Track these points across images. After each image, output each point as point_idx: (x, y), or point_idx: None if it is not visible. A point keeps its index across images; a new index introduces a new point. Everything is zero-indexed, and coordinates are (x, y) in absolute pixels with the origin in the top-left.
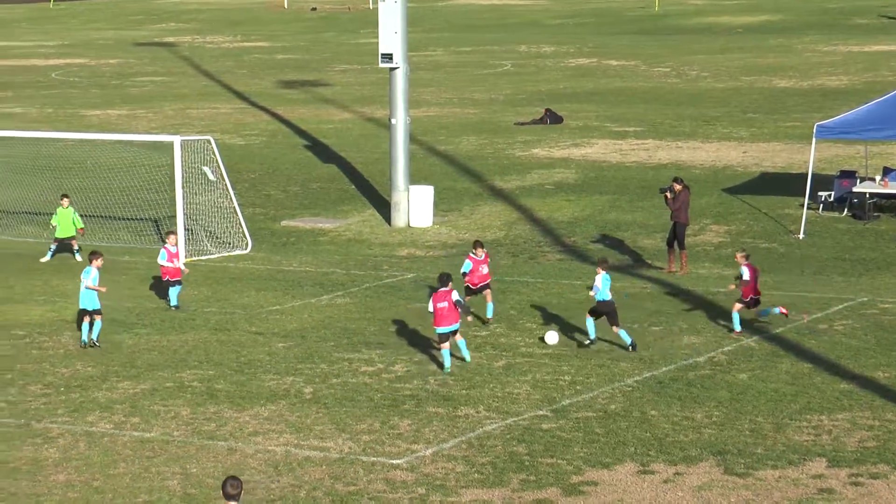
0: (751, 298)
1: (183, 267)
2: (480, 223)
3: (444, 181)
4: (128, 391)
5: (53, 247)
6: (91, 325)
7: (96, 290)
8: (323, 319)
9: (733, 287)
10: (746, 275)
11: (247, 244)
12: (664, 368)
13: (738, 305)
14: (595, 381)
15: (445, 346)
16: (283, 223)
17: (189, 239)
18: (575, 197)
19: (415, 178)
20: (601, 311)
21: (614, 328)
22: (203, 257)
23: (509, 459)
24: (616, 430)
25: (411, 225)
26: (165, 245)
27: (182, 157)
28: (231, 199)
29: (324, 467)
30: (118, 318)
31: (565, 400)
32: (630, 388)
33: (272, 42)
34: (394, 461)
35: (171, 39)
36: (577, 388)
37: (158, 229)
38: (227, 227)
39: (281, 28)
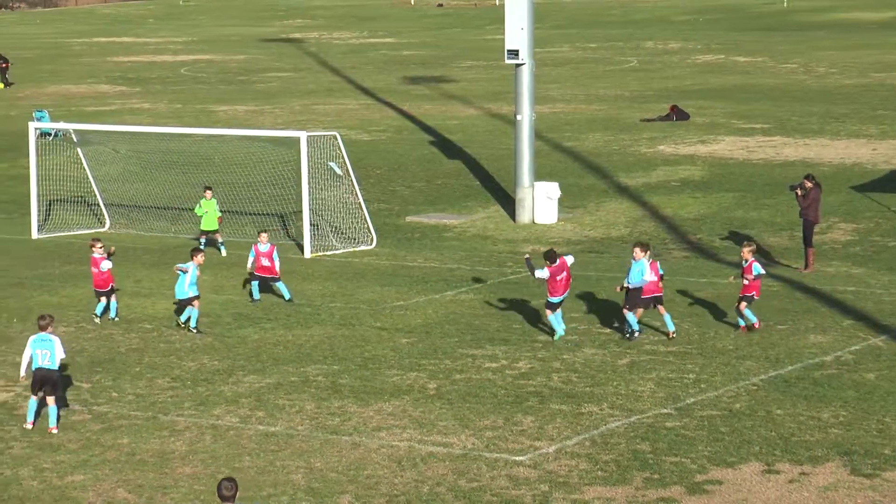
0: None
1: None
2: (605, 220)
3: (569, 177)
4: (253, 385)
5: (202, 241)
6: (181, 312)
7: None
8: (447, 315)
9: (732, 279)
10: (758, 268)
11: (372, 240)
12: (790, 367)
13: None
14: (720, 380)
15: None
16: (408, 219)
17: (314, 234)
18: (701, 194)
19: (540, 174)
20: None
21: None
22: (328, 253)
23: (633, 457)
24: (741, 429)
25: (536, 221)
26: (256, 244)
27: (308, 152)
28: (356, 194)
29: (447, 463)
30: (244, 313)
31: (690, 398)
32: (755, 387)
33: (398, 38)
34: (517, 458)
35: (297, 35)
36: (702, 386)
37: (284, 224)
38: (352, 222)
39: (407, 24)
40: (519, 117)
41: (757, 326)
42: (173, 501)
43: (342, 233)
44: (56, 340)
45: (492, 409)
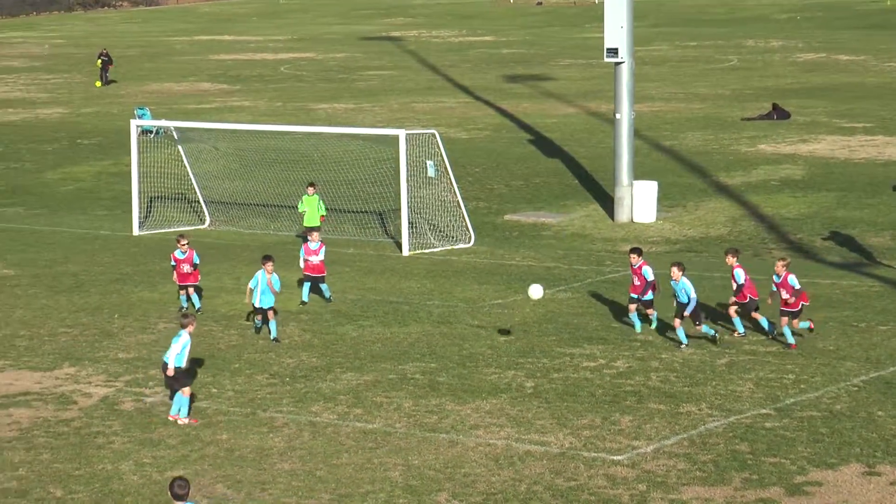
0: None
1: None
2: (704, 219)
3: (668, 176)
4: (351, 382)
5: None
6: (266, 322)
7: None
8: (545, 314)
9: (771, 301)
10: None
11: (470, 238)
12: (892, 368)
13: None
14: (820, 381)
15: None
16: (506, 217)
17: (413, 232)
18: (801, 193)
19: (639, 173)
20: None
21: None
22: (426, 250)
23: (732, 458)
24: (841, 431)
25: (634, 220)
26: (307, 242)
27: (407, 150)
28: (455, 192)
29: (544, 462)
30: (342, 310)
31: (789, 399)
32: (856, 388)
33: (497, 36)
34: (614, 457)
35: (397, 34)
36: (802, 386)
37: (383, 222)
38: (450, 220)
39: (506, 22)
40: (618, 116)
41: (793, 347)
42: (272, 497)
43: (440, 231)
44: (184, 337)
45: (589, 408)
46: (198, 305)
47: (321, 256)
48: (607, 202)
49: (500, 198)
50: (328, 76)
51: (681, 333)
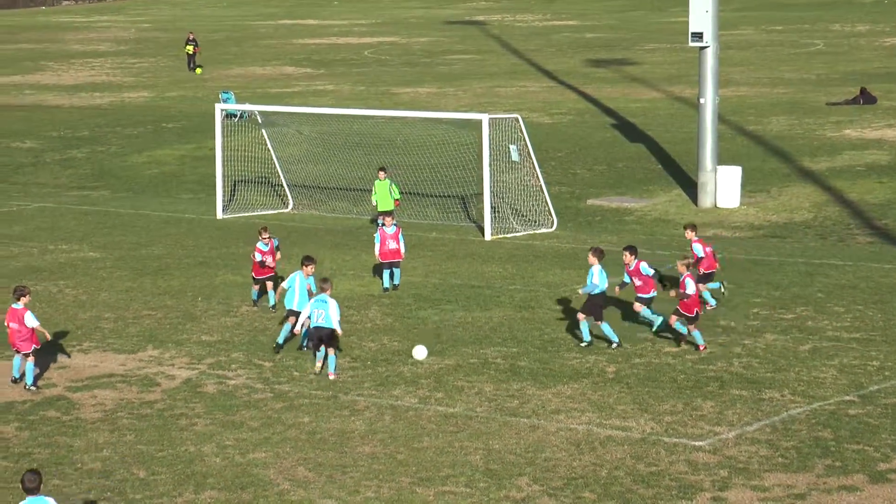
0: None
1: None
2: (788, 205)
3: (752, 161)
4: (433, 366)
5: (380, 221)
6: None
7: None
8: (632, 298)
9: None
10: (691, 287)
11: (552, 222)
12: None
13: (674, 317)
14: None
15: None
16: (589, 202)
17: (495, 217)
18: (887, 179)
19: (722, 158)
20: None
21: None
22: (508, 235)
23: (814, 444)
24: None
25: (718, 206)
26: (382, 227)
27: (490, 135)
28: (538, 177)
29: (625, 447)
30: (424, 294)
31: (873, 385)
32: None
33: (581, 20)
34: (696, 443)
35: (481, 18)
36: (886, 373)
37: (465, 207)
38: (532, 205)
39: (590, 6)
40: (702, 100)
41: (701, 349)
42: (352, 480)
43: (523, 215)
44: (332, 302)
45: (671, 394)
46: (272, 302)
47: (398, 242)
48: (690, 187)
49: (583, 182)
50: (411, 60)
51: (584, 329)
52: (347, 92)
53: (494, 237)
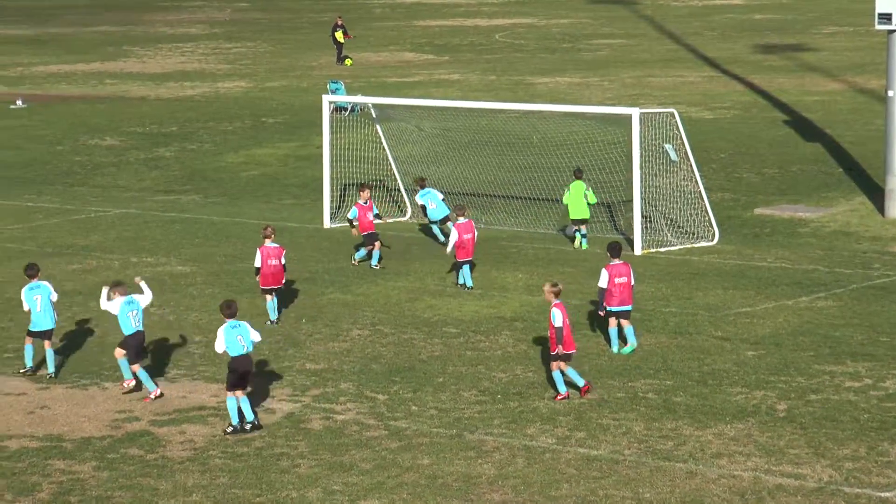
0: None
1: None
2: None
3: None
4: (572, 401)
5: (572, 230)
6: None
7: None
8: (801, 325)
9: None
10: (558, 319)
11: (713, 235)
12: None
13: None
14: None
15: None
16: (757, 211)
17: (646, 227)
18: None
19: None
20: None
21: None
22: (662, 249)
23: None
24: None
25: None
26: (456, 222)
27: (641, 132)
28: (696, 182)
29: (798, 497)
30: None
31: None
32: None
33: (749, 0)
34: (882, 494)
35: None
36: None
37: (612, 215)
38: (690, 214)
39: None
40: (891, 93)
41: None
42: None
43: (679, 226)
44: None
45: (853, 436)
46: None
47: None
48: (876, 194)
49: (750, 188)
50: (550, 45)
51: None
52: (475, 82)
53: (646, 252)
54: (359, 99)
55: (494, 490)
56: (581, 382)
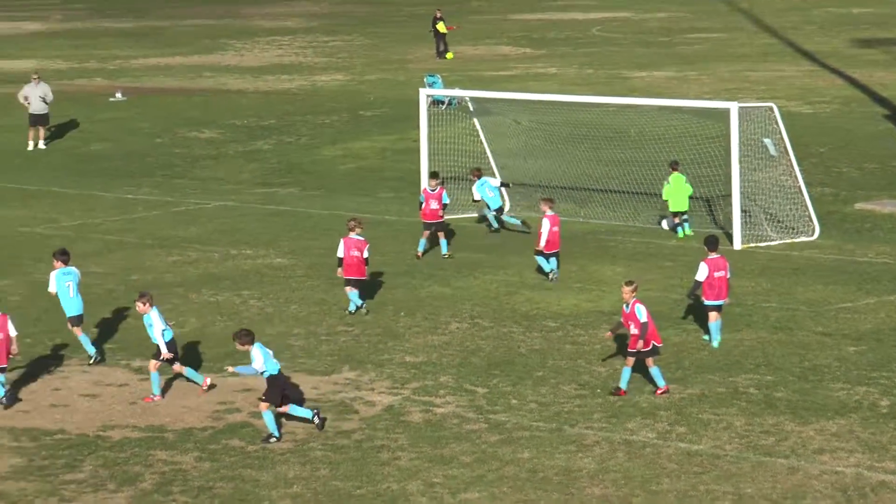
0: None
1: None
2: None
3: None
4: (673, 396)
5: (672, 222)
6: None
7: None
8: None
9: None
10: (643, 314)
11: (813, 230)
12: None
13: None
14: None
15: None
16: (858, 206)
17: (746, 222)
18: None
19: None
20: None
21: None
22: (762, 244)
23: None
24: None
25: None
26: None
27: (740, 126)
28: (796, 177)
29: None
30: (663, 312)
31: None
32: None
33: None
34: None
35: None
36: None
37: (710, 210)
38: (790, 209)
39: None
40: None
41: (659, 392)
42: None
43: (778, 221)
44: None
45: None
46: (358, 304)
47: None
48: None
49: (851, 183)
50: (647, 39)
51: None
52: (573, 75)
53: (745, 246)
54: (456, 92)
55: (595, 484)
56: (662, 384)
